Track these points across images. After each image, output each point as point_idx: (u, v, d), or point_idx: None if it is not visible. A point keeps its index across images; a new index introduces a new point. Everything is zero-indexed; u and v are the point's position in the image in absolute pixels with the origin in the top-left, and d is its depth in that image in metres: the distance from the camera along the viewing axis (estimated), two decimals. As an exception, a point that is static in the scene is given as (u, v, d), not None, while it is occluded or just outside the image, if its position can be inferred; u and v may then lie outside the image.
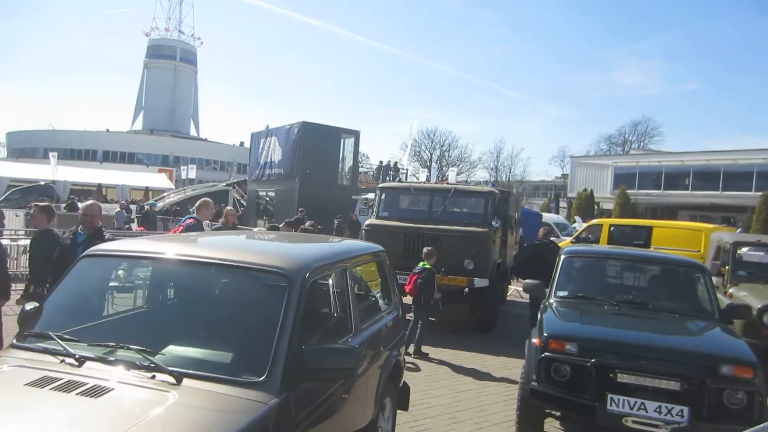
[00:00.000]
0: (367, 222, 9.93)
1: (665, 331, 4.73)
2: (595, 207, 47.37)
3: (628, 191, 46.94)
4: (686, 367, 4.17)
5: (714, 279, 9.03)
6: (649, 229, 18.09)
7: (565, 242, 20.35)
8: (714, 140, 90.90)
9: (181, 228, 6.70)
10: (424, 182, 10.52)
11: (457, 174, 46.61)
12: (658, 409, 4.02)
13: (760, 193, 39.81)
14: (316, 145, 21.38)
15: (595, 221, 21.25)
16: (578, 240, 19.04)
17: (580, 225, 24.05)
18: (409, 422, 5.21)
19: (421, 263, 8.05)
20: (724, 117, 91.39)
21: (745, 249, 8.69)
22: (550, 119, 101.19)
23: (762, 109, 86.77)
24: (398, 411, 4.64)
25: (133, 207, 23.96)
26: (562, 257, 5.90)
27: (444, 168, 58.40)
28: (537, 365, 4.48)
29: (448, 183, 10.10)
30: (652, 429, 4.04)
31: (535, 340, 4.79)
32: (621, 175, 50.78)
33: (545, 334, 4.58)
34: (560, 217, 30.76)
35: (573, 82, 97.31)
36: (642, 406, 4.05)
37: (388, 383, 3.99)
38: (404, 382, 4.64)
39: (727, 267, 8.38)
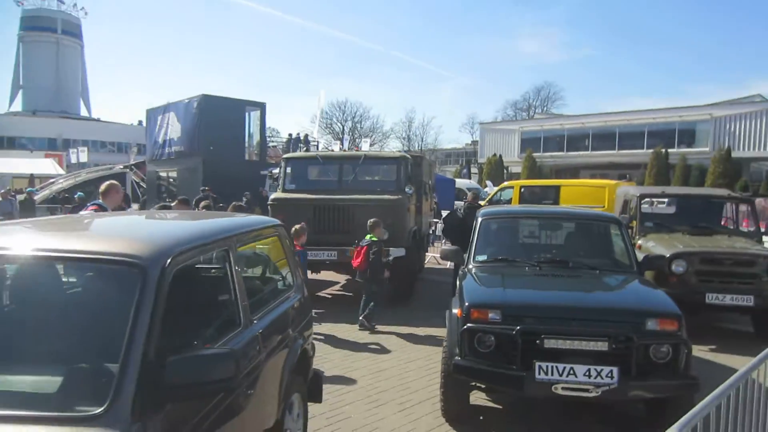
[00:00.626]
0: (272, 196, 9.25)
1: (588, 290, 4.52)
2: (505, 171, 48.84)
3: (534, 154, 48.81)
4: (613, 325, 3.96)
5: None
6: (557, 188, 18.63)
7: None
8: (610, 102, 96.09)
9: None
10: (331, 150, 9.96)
11: (371, 145, 46.32)
12: (587, 373, 3.78)
13: (651, 150, 42.65)
14: (218, 120, 20.07)
15: (506, 183, 21.65)
16: (492, 203, 19.35)
17: (491, 189, 24.48)
18: (326, 413, 4.74)
19: (368, 236, 7.78)
20: (619, 80, 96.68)
21: (655, 202, 8.91)
22: (459, 88, 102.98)
23: (652, 70, 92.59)
24: (313, 403, 4.17)
25: (21, 196, 21.60)
26: (479, 219, 5.59)
27: (357, 140, 58.03)
28: (459, 338, 4.13)
29: (358, 150, 9.61)
30: (582, 394, 3.81)
31: (455, 311, 4.44)
32: (527, 139, 52.63)
33: (466, 304, 4.22)
34: (472, 182, 31.20)
35: (480, 52, 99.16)
36: (571, 371, 3.80)
37: (294, 377, 3.47)
38: (315, 371, 4.14)
39: (635, 220, 8.49)
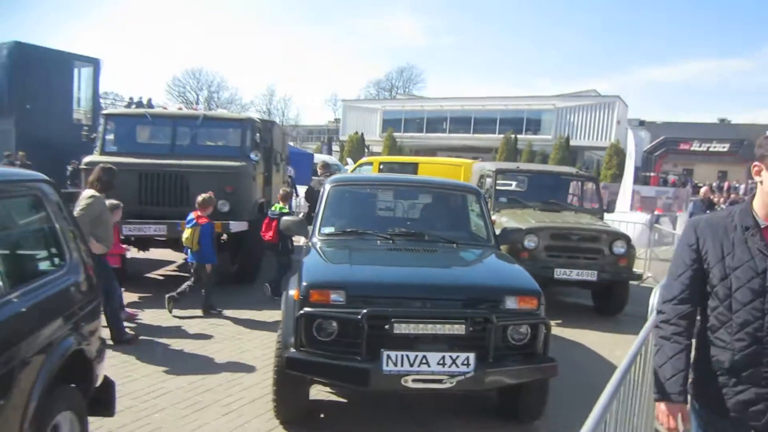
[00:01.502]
0: (84, 160, 7.74)
1: (445, 266, 4.00)
2: (366, 149, 48.95)
3: (395, 134, 49.54)
4: (470, 305, 3.47)
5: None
6: (415, 165, 18.59)
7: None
8: (467, 89, 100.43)
9: None
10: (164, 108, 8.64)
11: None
12: (441, 361, 3.24)
13: (502, 136, 45.22)
14: (37, 73, 17.19)
15: (364, 159, 21.30)
16: (349, 179, 18.90)
17: (351, 166, 23.92)
18: (127, 425, 3.77)
19: (277, 206, 7.18)
20: (476, 68, 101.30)
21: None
22: (325, 65, 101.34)
23: (506, 59, 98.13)
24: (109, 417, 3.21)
25: None
26: (327, 187, 4.88)
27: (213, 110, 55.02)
28: (296, 324, 3.38)
29: (196, 110, 8.44)
30: (435, 386, 3.27)
31: (292, 292, 3.69)
32: (389, 119, 53.30)
33: (304, 284, 3.49)
34: (333, 158, 30.59)
35: (348, 30, 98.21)
36: (423, 360, 3.23)
37: (59, 389, 2.50)
38: (106, 378, 3.17)
39: (490, 196, 8.33)
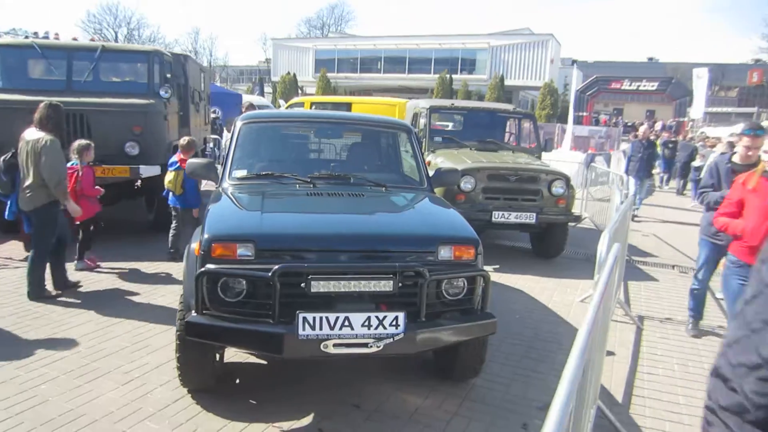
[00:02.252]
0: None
1: (371, 212, 3.53)
2: (299, 90, 47.31)
3: (329, 74, 48.03)
4: (399, 257, 3.05)
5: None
6: (348, 105, 17.85)
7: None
8: (401, 27, 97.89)
9: None
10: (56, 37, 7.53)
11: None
12: (366, 322, 2.82)
13: (437, 75, 44.66)
14: None
15: (296, 99, 20.31)
16: (280, 121, 17.98)
17: (283, 107, 22.86)
18: (10, 398, 3.21)
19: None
20: (408, 4, 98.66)
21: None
22: (254, 1, 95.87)
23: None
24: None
25: None
26: (239, 124, 4.26)
27: None
28: (196, 284, 2.87)
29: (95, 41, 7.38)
30: (359, 351, 2.87)
31: (194, 246, 3.16)
32: (322, 60, 51.61)
33: (206, 236, 2.95)
34: (263, 99, 29.19)
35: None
36: (346, 322, 2.80)
37: None
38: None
39: (423, 136, 7.88)
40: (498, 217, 6.58)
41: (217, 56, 64.65)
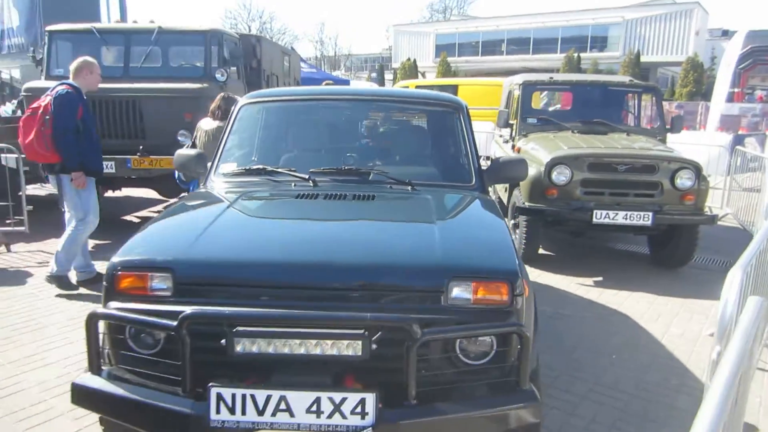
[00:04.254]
0: (26, 85, 6.59)
1: (368, 226, 2.46)
2: (419, 76, 46.56)
3: (449, 59, 46.81)
4: (379, 299, 1.98)
5: (503, 133, 7.32)
6: (455, 87, 16.70)
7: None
8: (525, 5, 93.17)
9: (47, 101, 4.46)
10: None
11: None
12: (314, 407, 1.79)
13: (563, 55, 41.66)
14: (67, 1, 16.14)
15: (402, 83, 19.45)
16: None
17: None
18: None
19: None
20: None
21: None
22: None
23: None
24: None
25: None
26: (237, 107, 3.38)
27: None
28: (87, 329, 2.01)
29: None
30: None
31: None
32: (442, 44, 50.65)
33: (112, 260, 2.10)
34: (374, 85, 28.70)
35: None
36: (282, 405, 1.79)
37: None
38: None
39: (516, 117, 6.57)
40: (601, 217, 5.16)
41: (341, 46, 65.56)
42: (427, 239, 2.23)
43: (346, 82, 21.26)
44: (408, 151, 3.37)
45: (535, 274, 5.44)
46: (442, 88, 17.58)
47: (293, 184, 2.91)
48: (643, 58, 39.31)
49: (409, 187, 2.90)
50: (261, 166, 3.04)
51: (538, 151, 5.66)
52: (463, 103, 3.37)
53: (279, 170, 2.99)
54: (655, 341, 4.09)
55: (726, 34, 37.87)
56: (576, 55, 40.93)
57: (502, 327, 1.94)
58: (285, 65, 9.75)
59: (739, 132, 12.37)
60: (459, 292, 2.00)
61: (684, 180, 5.21)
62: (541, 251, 6.22)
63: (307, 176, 2.91)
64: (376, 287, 2.00)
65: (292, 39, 62.19)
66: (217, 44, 6.69)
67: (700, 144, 9.04)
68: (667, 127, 6.38)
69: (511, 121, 6.58)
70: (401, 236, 2.33)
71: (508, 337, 1.98)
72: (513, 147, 6.41)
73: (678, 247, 5.57)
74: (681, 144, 8.57)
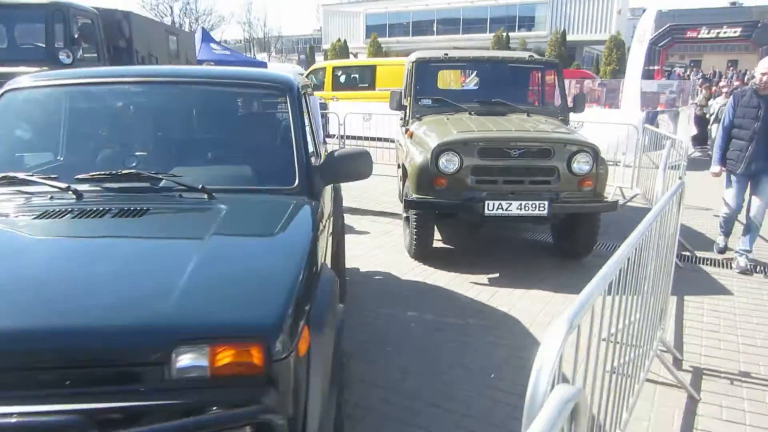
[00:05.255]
0: None
1: (103, 264, 1.75)
2: (351, 57, 45.64)
3: (380, 39, 46.11)
4: (93, 379, 1.33)
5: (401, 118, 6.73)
6: (373, 68, 16.07)
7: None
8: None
9: None
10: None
11: (210, 30, 40.72)
12: None
13: (492, 35, 41.75)
14: None
15: (317, 65, 18.61)
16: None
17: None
18: None
19: None
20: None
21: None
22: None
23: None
24: None
25: None
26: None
27: (193, 24, 51.42)
28: None
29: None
30: None
31: None
32: (373, 24, 49.96)
33: None
34: (298, 67, 27.67)
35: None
36: None
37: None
38: None
39: (409, 97, 5.98)
40: (493, 208, 4.66)
41: (271, 26, 63.65)
42: (168, 281, 1.56)
43: (263, 65, 20.18)
44: (218, 147, 2.69)
45: (426, 274, 4.91)
46: (360, 68, 16.89)
47: (50, 196, 2.19)
48: (569, 37, 39.89)
49: (205, 195, 2.22)
50: (11, 173, 2.29)
51: (428, 137, 5.09)
52: (293, 84, 2.70)
53: (31, 179, 2.25)
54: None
55: (645, 11, 38.83)
56: (505, 34, 41.09)
57: (237, 417, 1.31)
58: (171, 47, 8.79)
59: (658, 108, 12.32)
60: (190, 360, 1.36)
61: (581, 164, 4.77)
62: (439, 245, 5.71)
63: (65, 186, 2.18)
64: (77, 361, 1.33)
65: (218, 20, 59.76)
66: (62, 20, 5.74)
67: (610, 123, 8.76)
68: (569, 105, 5.96)
69: (404, 103, 6.00)
70: (137, 277, 1.65)
71: (260, 423, 1.36)
72: (406, 131, 5.83)
73: (579, 237, 5.16)
74: (594, 123, 8.27)
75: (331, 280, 2.02)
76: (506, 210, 4.67)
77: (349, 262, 5.07)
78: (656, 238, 2.81)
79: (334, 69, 16.23)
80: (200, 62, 16.77)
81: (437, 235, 5.92)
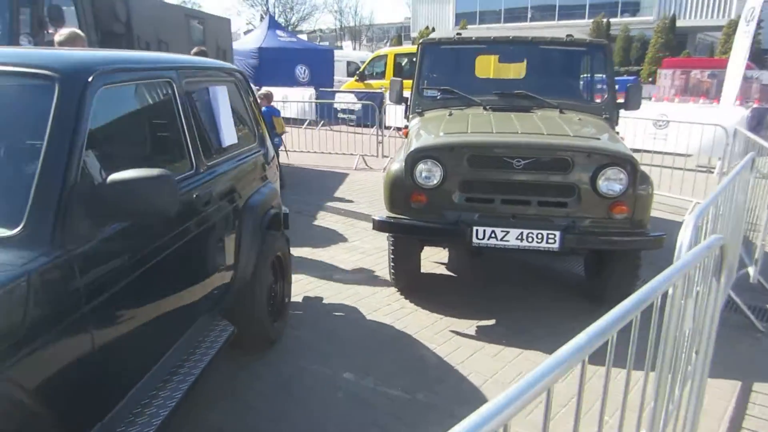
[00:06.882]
0: None
1: None
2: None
3: (470, 26, 44.50)
4: None
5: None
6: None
7: (349, 82, 16.73)
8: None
9: None
10: None
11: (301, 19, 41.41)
12: None
13: (591, 21, 38.86)
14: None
15: (380, 51, 17.63)
16: (361, 77, 15.49)
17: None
18: None
19: None
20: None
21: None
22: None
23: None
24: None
25: None
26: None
27: (288, 13, 52.64)
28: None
29: None
30: None
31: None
32: (462, 12, 48.51)
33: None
34: (361, 54, 26.82)
35: None
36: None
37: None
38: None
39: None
40: (485, 237, 3.49)
41: (363, 15, 63.88)
42: None
43: (330, 52, 19.44)
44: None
45: (400, 314, 3.83)
46: (410, 56, 15.55)
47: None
48: (680, 23, 36.20)
49: None
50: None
51: (421, 138, 3.98)
52: (76, 69, 1.76)
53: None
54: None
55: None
56: (605, 20, 38.09)
57: None
58: (194, 34, 8.15)
59: (755, 105, 10.21)
60: None
61: (611, 182, 3.48)
62: (439, 270, 4.63)
63: None
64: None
65: (311, 9, 60.57)
66: (28, 2, 5.17)
67: (703, 123, 7.03)
68: (616, 100, 4.59)
69: (406, 95, 4.91)
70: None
71: None
72: (404, 129, 4.75)
73: (612, 275, 3.86)
74: (678, 122, 6.72)
75: None
76: (501, 240, 3.49)
77: (318, 290, 4.15)
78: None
79: (396, 56, 15.21)
80: (263, 50, 16.42)
81: (442, 255, 4.84)
